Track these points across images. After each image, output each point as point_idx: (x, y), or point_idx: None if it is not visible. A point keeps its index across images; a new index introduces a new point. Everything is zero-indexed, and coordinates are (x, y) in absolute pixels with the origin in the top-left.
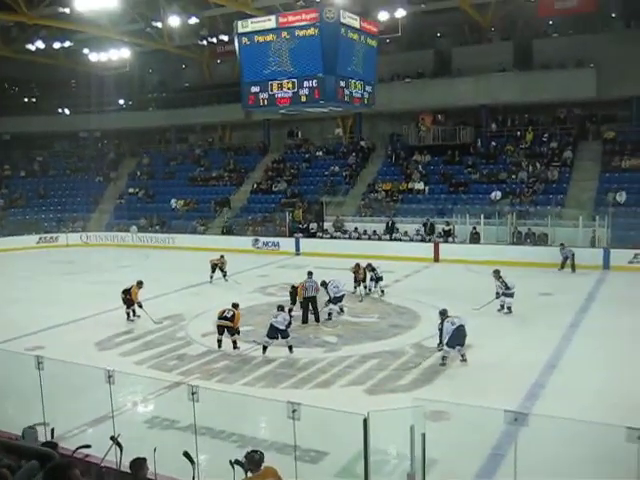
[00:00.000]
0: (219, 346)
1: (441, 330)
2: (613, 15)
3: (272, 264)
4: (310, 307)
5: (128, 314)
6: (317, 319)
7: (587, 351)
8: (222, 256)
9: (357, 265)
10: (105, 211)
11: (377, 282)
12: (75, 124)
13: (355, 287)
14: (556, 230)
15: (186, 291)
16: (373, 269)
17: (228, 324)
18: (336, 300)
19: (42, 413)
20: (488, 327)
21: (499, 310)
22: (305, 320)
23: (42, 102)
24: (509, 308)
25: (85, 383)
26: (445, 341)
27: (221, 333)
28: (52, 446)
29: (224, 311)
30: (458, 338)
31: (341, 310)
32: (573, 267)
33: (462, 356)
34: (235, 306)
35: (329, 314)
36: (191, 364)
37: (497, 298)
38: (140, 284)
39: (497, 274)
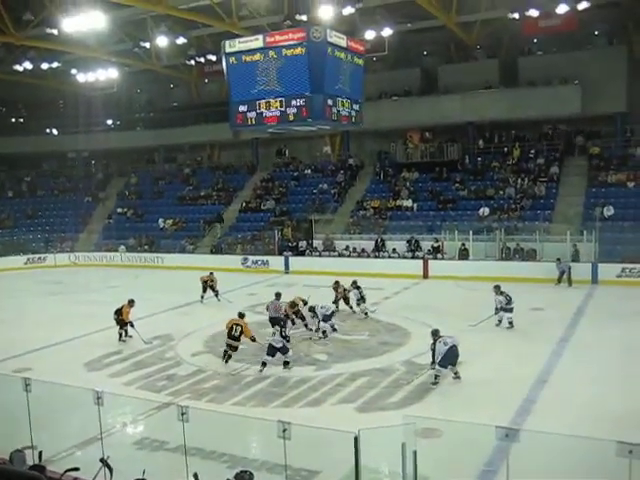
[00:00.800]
0: (226, 361)
1: (434, 350)
2: (596, 33)
3: (261, 283)
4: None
5: (120, 334)
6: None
7: (577, 366)
8: (211, 273)
9: (336, 282)
10: (94, 231)
11: (360, 302)
12: (63, 144)
13: (336, 305)
14: (544, 245)
15: (175, 311)
16: (358, 287)
17: (237, 345)
18: (326, 318)
19: (30, 436)
20: (478, 343)
21: (497, 325)
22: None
23: (30, 122)
24: (510, 323)
25: (73, 405)
26: (437, 361)
27: (233, 350)
28: (40, 469)
29: (232, 328)
30: (450, 358)
31: (333, 328)
32: (570, 281)
33: (455, 374)
34: (241, 316)
35: (323, 332)
36: (181, 384)
37: (496, 314)
38: (131, 302)
39: (498, 289)
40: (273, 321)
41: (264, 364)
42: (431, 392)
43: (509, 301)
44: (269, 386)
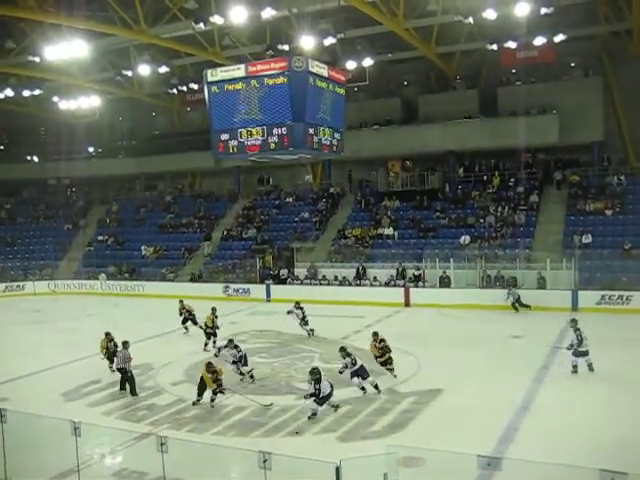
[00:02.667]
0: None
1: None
2: (572, 64)
3: (243, 311)
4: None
5: (110, 367)
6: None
7: (559, 393)
8: (181, 301)
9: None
10: (74, 259)
11: (302, 323)
12: (44, 172)
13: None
14: (525, 273)
15: (155, 339)
16: (300, 307)
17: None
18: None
19: (4, 468)
20: (459, 370)
21: (573, 372)
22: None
23: (10, 149)
24: (590, 365)
25: (50, 436)
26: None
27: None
28: None
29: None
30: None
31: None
32: (516, 308)
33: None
34: (209, 366)
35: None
36: (160, 414)
37: (568, 349)
38: (108, 335)
39: (575, 324)
40: (121, 371)
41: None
42: (413, 420)
43: (581, 342)
44: (250, 415)
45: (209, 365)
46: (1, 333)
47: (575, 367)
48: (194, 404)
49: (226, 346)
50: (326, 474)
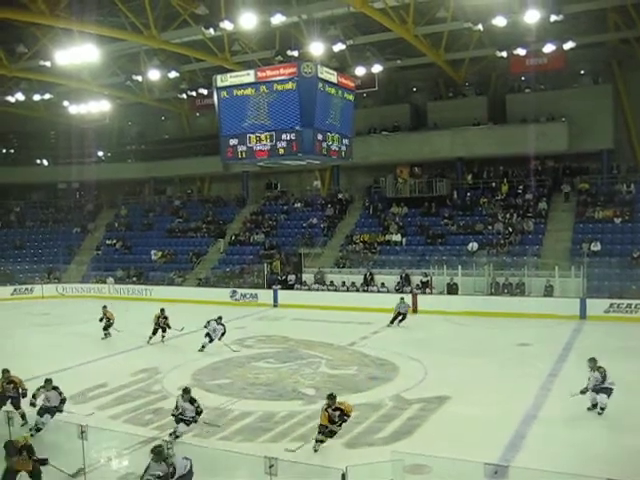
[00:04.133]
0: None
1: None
2: (582, 72)
3: (250, 316)
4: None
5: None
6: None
7: (566, 401)
8: (162, 310)
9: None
10: (82, 262)
11: (221, 337)
12: (54, 175)
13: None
14: (533, 280)
15: (163, 343)
16: (221, 323)
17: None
18: None
19: None
20: (467, 378)
21: (590, 410)
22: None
23: (21, 153)
24: (603, 409)
25: (57, 439)
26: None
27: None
28: None
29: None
30: None
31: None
32: (398, 320)
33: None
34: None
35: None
36: (167, 418)
37: (582, 393)
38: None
39: (594, 364)
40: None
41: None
42: (420, 427)
43: (604, 379)
44: (256, 421)
45: None
46: (9, 336)
47: (595, 405)
48: None
49: (182, 396)
50: None
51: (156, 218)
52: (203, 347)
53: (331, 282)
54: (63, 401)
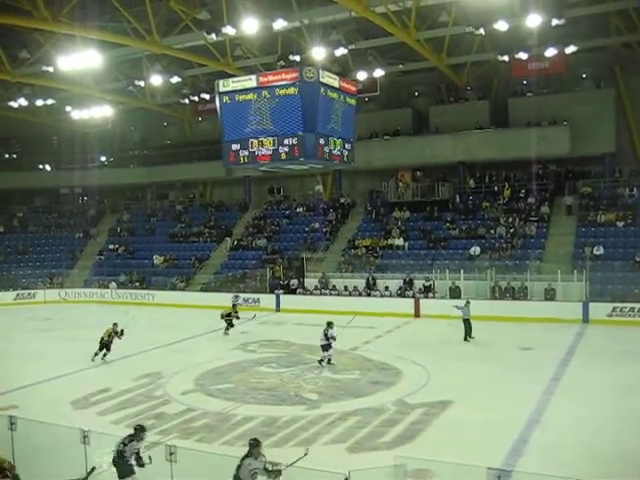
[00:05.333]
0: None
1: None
2: (584, 76)
3: (252, 320)
4: None
5: None
6: None
7: (569, 405)
8: (115, 324)
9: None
10: (84, 267)
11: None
12: (56, 180)
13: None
14: (535, 284)
15: (165, 348)
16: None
17: None
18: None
19: None
20: (469, 382)
21: None
22: None
23: (23, 158)
24: None
25: (59, 444)
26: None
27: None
28: None
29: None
30: None
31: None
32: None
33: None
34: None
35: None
36: (169, 423)
37: None
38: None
39: None
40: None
41: None
42: (423, 432)
43: None
44: (259, 425)
45: None
46: (11, 341)
47: None
48: None
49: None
50: None
51: (158, 223)
52: (324, 361)
53: (333, 287)
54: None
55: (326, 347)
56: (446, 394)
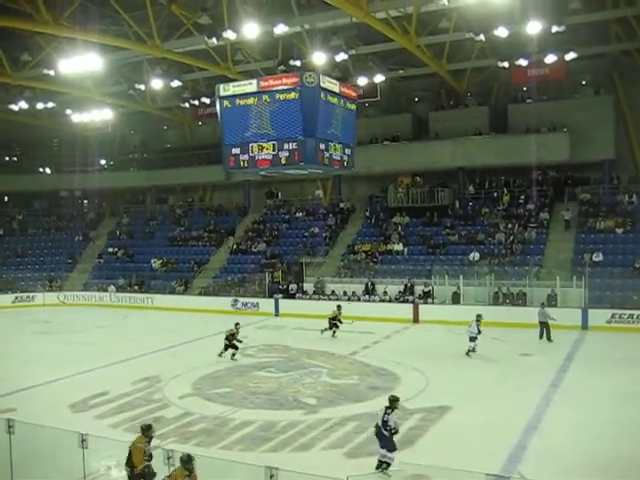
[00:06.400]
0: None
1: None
2: (583, 82)
3: (251, 325)
4: None
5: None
6: None
7: (568, 412)
8: (237, 324)
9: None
10: (84, 270)
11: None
12: (56, 183)
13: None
14: (534, 290)
15: (164, 352)
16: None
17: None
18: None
19: (11, 479)
20: (468, 388)
21: None
22: None
23: (23, 161)
24: None
25: (57, 447)
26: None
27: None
28: None
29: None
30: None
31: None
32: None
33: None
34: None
35: None
36: (168, 427)
37: None
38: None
39: None
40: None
41: None
42: (421, 438)
43: None
44: (257, 430)
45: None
46: (10, 344)
47: None
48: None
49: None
50: None
51: (158, 226)
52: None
53: (332, 291)
54: None
55: (473, 338)
56: (445, 399)
